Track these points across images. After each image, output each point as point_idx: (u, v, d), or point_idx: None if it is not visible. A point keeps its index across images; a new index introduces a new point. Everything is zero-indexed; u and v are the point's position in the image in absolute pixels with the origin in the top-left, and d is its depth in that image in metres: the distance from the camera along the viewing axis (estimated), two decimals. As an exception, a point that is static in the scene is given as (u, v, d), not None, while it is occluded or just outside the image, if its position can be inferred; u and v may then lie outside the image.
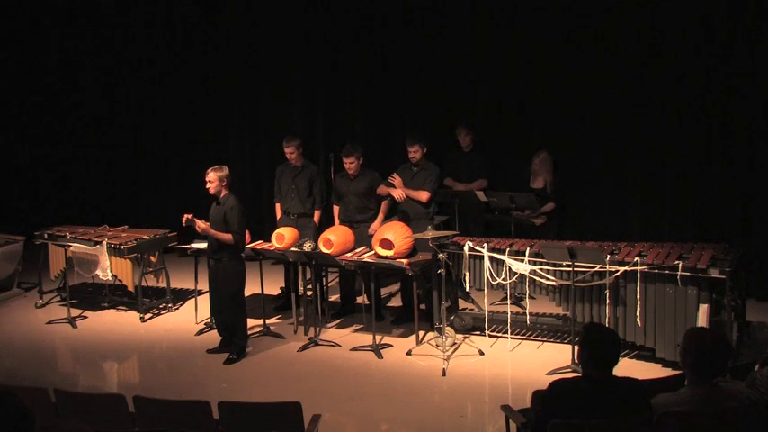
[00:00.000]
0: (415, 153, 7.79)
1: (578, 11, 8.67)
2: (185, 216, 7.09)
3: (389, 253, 7.28)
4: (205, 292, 8.23)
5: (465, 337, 7.35)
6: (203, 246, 7.79)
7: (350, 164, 7.88)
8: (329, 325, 7.89)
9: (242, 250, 7.20)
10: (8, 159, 11.71)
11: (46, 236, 8.70)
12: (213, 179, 7.03)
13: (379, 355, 7.04)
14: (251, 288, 8.27)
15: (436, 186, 7.90)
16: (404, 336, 7.56)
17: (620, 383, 3.84)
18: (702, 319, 6.10)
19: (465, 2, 9.24)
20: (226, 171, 7.08)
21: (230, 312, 7.18)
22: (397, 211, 8.03)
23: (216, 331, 7.68)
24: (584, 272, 6.53)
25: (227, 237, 6.97)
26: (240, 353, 7.13)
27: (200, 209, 9.84)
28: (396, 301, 8.51)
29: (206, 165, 10.94)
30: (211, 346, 7.36)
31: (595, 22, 8.62)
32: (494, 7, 9.09)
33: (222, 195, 7.06)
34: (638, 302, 6.36)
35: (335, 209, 8.22)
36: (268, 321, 7.87)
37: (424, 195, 7.81)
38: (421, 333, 7.38)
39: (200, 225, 7.05)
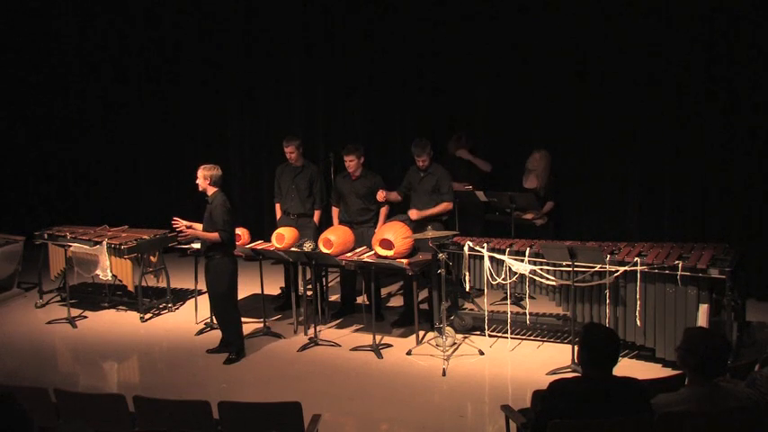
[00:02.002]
0: (423, 162, 7.74)
1: (578, 11, 8.67)
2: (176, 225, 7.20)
3: (389, 253, 7.28)
4: (205, 292, 8.21)
5: (465, 337, 7.35)
6: (203, 246, 7.80)
7: (350, 162, 7.88)
8: (329, 325, 7.89)
9: (232, 248, 7.18)
10: (8, 159, 11.70)
11: (46, 236, 8.70)
12: (199, 176, 7.10)
13: (379, 355, 7.04)
14: (251, 288, 8.29)
15: (452, 190, 7.86)
16: (404, 336, 7.56)
17: (620, 383, 3.84)
18: (702, 319, 6.10)
19: (465, 2, 9.24)
20: (214, 171, 7.07)
21: (221, 311, 7.20)
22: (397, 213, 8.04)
23: (216, 331, 7.70)
24: (584, 272, 6.53)
25: (213, 236, 6.97)
26: (239, 352, 7.14)
27: (199, 209, 9.83)
28: (395, 302, 8.50)
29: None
30: (211, 346, 7.36)
31: (595, 22, 8.62)
32: (494, 8, 9.09)
33: (210, 194, 7.08)
34: (638, 302, 6.37)
35: (335, 211, 8.21)
36: (268, 321, 7.87)
37: (447, 206, 7.75)
38: (421, 333, 7.38)
39: (183, 227, 7.13)
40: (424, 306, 7.83)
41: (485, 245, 7.11)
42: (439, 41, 9.39)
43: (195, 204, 10.58)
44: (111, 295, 8.89)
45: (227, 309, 7.18)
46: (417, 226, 7.55)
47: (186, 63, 10.85)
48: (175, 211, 10.43)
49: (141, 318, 8.31)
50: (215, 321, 7.83)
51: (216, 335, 7.56)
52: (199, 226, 7.18)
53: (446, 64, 9.37)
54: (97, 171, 11.53)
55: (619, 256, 6.49)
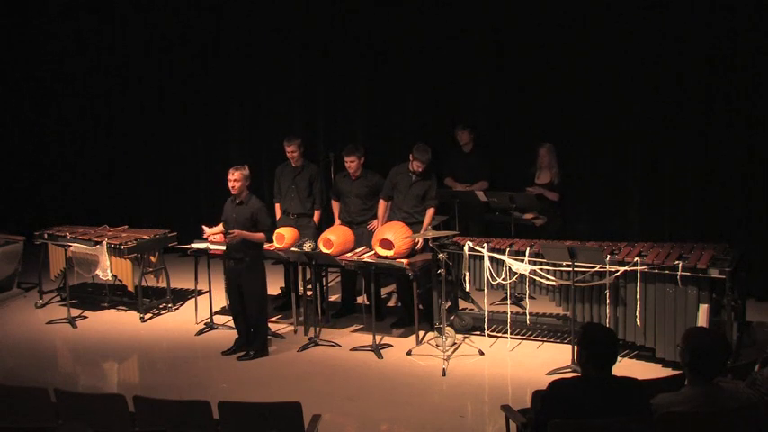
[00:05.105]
0: (419, 167, 7.67)
1: (578, 12, 8.68)
2: (225, 235, 7.11)
3: (389, 253, 7.28)
4: (205, 292, 8.23)
5: (465, 337, 7.35)
6: (203, 246, 7.80)
7: (350, 162, 7.88)
8: (329, 325, 7.87)
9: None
10: (8, 159, 11.70)
11: (46, 236, 8.70)
12: (239, 178, 7.03)
13: (379, 355, 7.04)
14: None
15: (436, 193, 7.83)
16: (404, 336, 7.56)
17: (619, 383, 3.84)
18: (702, 319, 6.10)
19: (465, 2, 9.24)
20: (248, 171, 7.10)
21: (257, 311, 7.13)
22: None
23: (216, 331, 7.71)
24: (584, 272, 6.53)
25: (261, 236, 7.02)
26: (261, 351, 7.09)
27: (199, 209, 9.85)
28: (395, 301, 8.49)
29: (206, 165, 10.94)
30: (212, 346, 7.35)
31: (595, 23, 8.62)
32: (493, 7, 9.09)
33: (244, 195, 7.07)
34: (638, 302, 6.37)
35: (335, 205, 8.20)
36: (268, 321, 7.85)
37: (433, 212, 7.74)
38: (421, 333, 7.38)
39: (234, 235, 6.99)
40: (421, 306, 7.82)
41: (485, 245, 7.12)
42: (439, 40, 9.38)
43: (195, 206, 10.62)
44: (112, 295, 8.88)
45: (261, 309, 7.15)
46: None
47: (186, 63, 10.84)
48: (175, 211, 10.39)
49: (141, 318, 8.31)
50: (215, 321, 7.84)
51: (216, 335, 7.58)
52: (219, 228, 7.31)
53: (446, 63, 9.36)
54: (97, 171, 11.51)
55: (619, 256, 6.49)
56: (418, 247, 7.46)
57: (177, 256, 9.28)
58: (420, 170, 7.68)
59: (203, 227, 7.43)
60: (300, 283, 7.93)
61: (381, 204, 7.93)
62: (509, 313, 7.25)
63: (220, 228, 7.33)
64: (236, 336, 7.28)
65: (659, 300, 6.32)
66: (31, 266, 9.23)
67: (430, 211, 7.72)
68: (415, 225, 7.60)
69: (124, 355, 7.57)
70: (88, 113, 11.45)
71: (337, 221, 8.17)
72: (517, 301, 7.82)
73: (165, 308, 8.63)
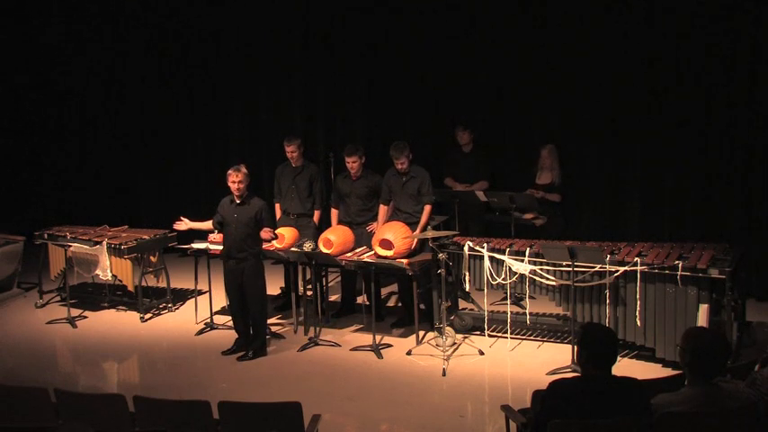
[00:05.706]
0: (402, 164, 7.66)
1: (578, 12, 8.68)
2: (271, 236, 7.11)
3: (389, 253, 7.28)
4: (205, 292, 8.22)
5: (465, 337, 7.35)
6: (203, 246, 7.80)
7: (352, 163, 7.87)
8: (329, 325, 7.87)
9: None
10: (8, 159, 11.70)
11: (46, 236, 8.71)
12: (243, 179, 7.03)
13: (379, 355, 7.04)
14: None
15: (432, 189, 7.84)
16: (404, 336, 7.56)
17: (619, 383, 3.84)
18: (702, 319, 6.10)
19: (464, 2, 9.24)
20: (246, 170, 7.12)
21: (260, 312, 7.14)
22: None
23: (216, 331, 7.70)
24: (584, 272, 6.53)
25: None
26: (260, 351, 7.10)
27: (199, 209, 9.84)
28: (395, 301, 8.50)
29: (206, 165, 10.93)
30: (212, 346, 7.35)
31: (595, 23, 8.62)
32: (493, 7, 9.09)
33: (246, 195, 7.08)
34: (638, 302, 6.37)
35: (334, 212, 8.18)
36: (268, 321, 7.85)
37: (430, 209, 7.71)
38: (421, 333, 7.38)
39: (270, 234, 7.09)
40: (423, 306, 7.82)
41: (485, 245, 7.12)
42: (440, 40, 9.38)
43: (195, 205, 10.61)
44: (112, 295, 8.88)
45: (263, 309, 7.19)
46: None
47: (186, 63, 10.84)
48: (175, 212, 10.38)
49: (141, 318, 8.31)
50: (215, 321, 7.84)
51: (216, 335, 7.56)
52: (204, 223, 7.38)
53: (446, 63, 9.36)
54: (97, 171, 11.51)
55: (619, 256, 6.49)
56: (413, 245, 7.45)
57: (177, 256, 9.28)
58: (405, 167, 7.67)
59: (182, 218, 7.46)
60: (300, 283, 7.93)
61: (382, 209, 7.91)
62: (509, 313, 7.25)
63: (208, 225, 7.36)
64: (236, 336, 7.27)
65: (659, 300, 6.32)
66: (31, 266, 9.23)
67: (427, 208, 7.67)
68: (416, 225, 7.59)
69: (124, 355, 7.57)
70: (88, 113, 11.45)
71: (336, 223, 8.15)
72: (517, 301, 7.82)
73: (165, 308, 8.63)
